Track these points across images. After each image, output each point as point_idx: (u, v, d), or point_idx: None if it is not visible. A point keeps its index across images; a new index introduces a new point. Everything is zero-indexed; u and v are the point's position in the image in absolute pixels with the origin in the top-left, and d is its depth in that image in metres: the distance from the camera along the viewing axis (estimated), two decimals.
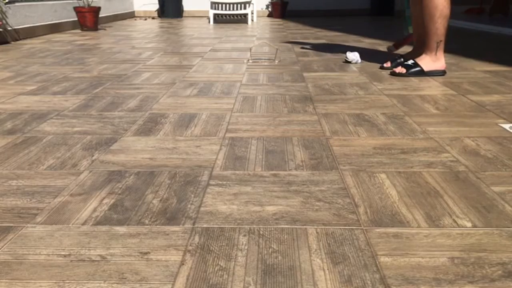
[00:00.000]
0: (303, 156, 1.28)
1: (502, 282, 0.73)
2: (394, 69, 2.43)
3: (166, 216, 0.95)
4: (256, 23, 6.53)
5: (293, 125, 1.57)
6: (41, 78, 2.44)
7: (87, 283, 0.73)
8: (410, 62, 2.41)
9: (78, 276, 0.75)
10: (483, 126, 1.54)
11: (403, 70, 2.38)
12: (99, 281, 0.73)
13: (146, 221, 0.93)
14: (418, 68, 2.37)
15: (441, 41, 2.31)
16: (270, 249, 0.82)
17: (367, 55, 3.21)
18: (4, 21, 4.09)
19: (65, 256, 0.81)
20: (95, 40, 4.27)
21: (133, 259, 0.80)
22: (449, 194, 1.04)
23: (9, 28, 4.17)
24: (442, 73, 2.40)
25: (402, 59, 2.58)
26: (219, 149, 1.34)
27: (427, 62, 2.37)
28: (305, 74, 2.50)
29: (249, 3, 6.61)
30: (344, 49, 3.53)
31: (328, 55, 3.20)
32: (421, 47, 2.49)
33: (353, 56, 2.84)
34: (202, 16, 7.94)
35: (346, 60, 2.86)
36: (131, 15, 7.78)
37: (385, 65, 2.62)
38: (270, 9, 7.98)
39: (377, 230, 0.89)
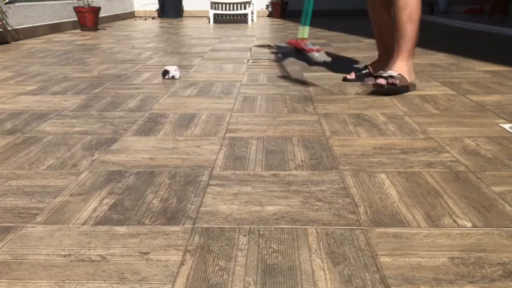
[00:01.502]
0: (303, 156, 1.28)
1: (502, 282, 0.73)
2: (380, 82, 1.96)
3: (166, 216, 0.95)
4: (256, 23, 6.53)
5: (293, 125, 1.57)
6: (41, 78, 2.44)
7: (87, 283, 0.73)
8: (394, 73, 1.96)
9: (78, 276, 0.75)
10: (483, 126, 1.54)
11: (396, 81, 1.93)
12: (99, 281, 0.73)
13: (146, 221, 0.93)
14: (402, 78, 1.96)
15: (415, 46, 2.01)
16: (270, 249, 0.82)
17: (367, 55, 3.21)
18: (4, 21, 4.09)
19: (65, 256, 0.81)
20: (95, 40, 4.27)
21: (133, 259, 0.80)
22: (449, 194, 1.04)
23: (9, 28, 4.17)
24: (413, 87, 2.07)
25: (367, 70, 2.28)
26: (219, 149, 1.34)
27: (406, 71, 1.99)
28: (305, 74, 2.49)
29: (249, 3, 6.61)
30: (343, 48, 3.53)
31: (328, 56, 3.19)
32: (386, 59, 2.17)
33: (172, 70, 2.43)
34: (202, 16, 7.94)
35: (173, 77, 2.42)
36: (131, 15, 7.78)
37: (348, 76, 2.30)
38: (270, 9, 7.98)
39: (377, 230, 0.89)
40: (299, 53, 2.29)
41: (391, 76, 1.94)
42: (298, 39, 2.27)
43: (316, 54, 2.19)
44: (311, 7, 2.26)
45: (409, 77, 2.00)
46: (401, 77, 1.95)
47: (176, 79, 2.40)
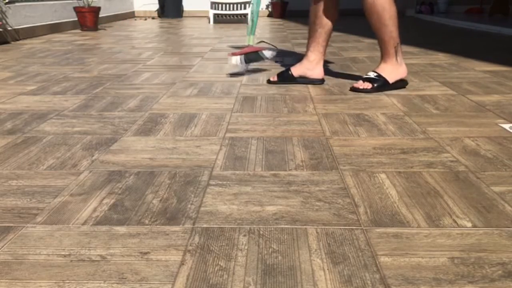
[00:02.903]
0: (303, 156, 1.28)
1: (502, 282, 0.73)
2: (357, 85, 2.05)
3: (166, 216, 0.95)
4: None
5: (293, 125, 1.57)
6: (41, 78, 2.44)
7: (87, 283, 0.73)
8: (373, 74, 2.05)
9: (78, 276, 0.75)
10: (483, 126, 1.54)
11: (369, 86, 2.01)
12: (99, 281, 0.73)
13: (146, 221, 0.93)
14: (382, 81, 2.03)
15: (398, 43, 2.01)
16: (270, 249, 0.82)
17: (367, 55, 3.21)
18: (4, 21, 4.09)
19: (65, 256, 0.81)
20: (95, 40, 4.27)
21: (133, 259, 0.80)
22: (449, 194, 1.04)
23: (9, 28, 4.17)
24: (405, 83, 2.11)
25: (290, 72, 2.21)
26: (219, 149, 1.34)
27: (389, 72, 2.04)
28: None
29: (249, 3, 6.60)
30: (343, 48, 3.53)
31: (328, 56, 3.19)
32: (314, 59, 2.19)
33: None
34: (202, 16, 7.94)
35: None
36: (131, 15, 7.78)
37: (271, 79, 2.26)
38: (270, 9, 7.98)
39: (377, 230, 0.89)
40: (250, 59, 2.34)
41: (369, 79, 2.04)
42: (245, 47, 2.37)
43: (266, 52, 2.32)
44: (256, 18, 2.34)
45: (394, 76, 2.05)
46: (379, 78, 2.03)
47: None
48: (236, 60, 2.30)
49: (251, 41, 2.37)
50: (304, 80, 2.21)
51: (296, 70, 2.22)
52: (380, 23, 1.96)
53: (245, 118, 1.66)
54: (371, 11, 1.96)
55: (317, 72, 2.20)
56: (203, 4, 7.69)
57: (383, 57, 2.06)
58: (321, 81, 2.22)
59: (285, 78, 2.23)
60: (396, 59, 2.03)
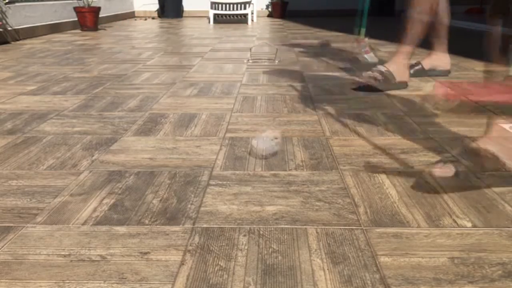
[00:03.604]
0: (303, 156, 1.28)
1: (502, 282, 0.73)
2: (364, 76, 2.07)
3: (166, 216, 0.95)
4: (256, 23, 6.53)
5: (293, 125, 1.57)
6: (41, 78, 2.44)
7: (87, 283, 0.73)
8: (383, 68, 2.06)
9: (78, 276, 0.75)
10: (483, 126, 1.54)
11: (378, 76, 2.03)
12: (99, 281, 0.73)
13: (146, 221, 0.93)
14: (390, 75, 2.04)
15: (413, 48, 2.04)
16: (270, 249, 0.82)
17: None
18: (4, 21, 4.09)
19: (65, 256, 0.81)
20: (95, 40, 4.27)
21: (133, 259, 0.80)
22: (449, 194, 1.04)
23: (9, 28, 4.17)
24: (406, 85, 2.11)
25: (420, 66, 2.34)
26: (219, 149, 1.34)
27: (397, 68, 2.06)
28: (305, 74, 2.50)
29: (249, 3, 6.60)
30: (343, 48, 3.53)
31: (328, 55, 3.19)
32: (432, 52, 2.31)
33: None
34: (202, 16, 7.94)
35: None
36: (131, 15, 7.78)
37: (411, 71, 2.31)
38: (270, 9, 7.98)
39: (377, 230, 0.89)
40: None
41: (378, 71, 2.05)
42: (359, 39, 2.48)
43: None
44: (366, 7, 2.35)
45: (400, 76, 2.07)
46: (388, 73, 2.04)
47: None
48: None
49: (363, 34, 2.41)
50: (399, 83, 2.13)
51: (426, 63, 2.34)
52: (419, 19, 1.96)
53: (245, 118, 1.66)
54: (416, 4, 1.96)
55: (408, 73, 2.14)
56: (203, 4, 7.69)
57: (396, 53, 2.08)
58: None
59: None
60: (406, 60, 2.07)
